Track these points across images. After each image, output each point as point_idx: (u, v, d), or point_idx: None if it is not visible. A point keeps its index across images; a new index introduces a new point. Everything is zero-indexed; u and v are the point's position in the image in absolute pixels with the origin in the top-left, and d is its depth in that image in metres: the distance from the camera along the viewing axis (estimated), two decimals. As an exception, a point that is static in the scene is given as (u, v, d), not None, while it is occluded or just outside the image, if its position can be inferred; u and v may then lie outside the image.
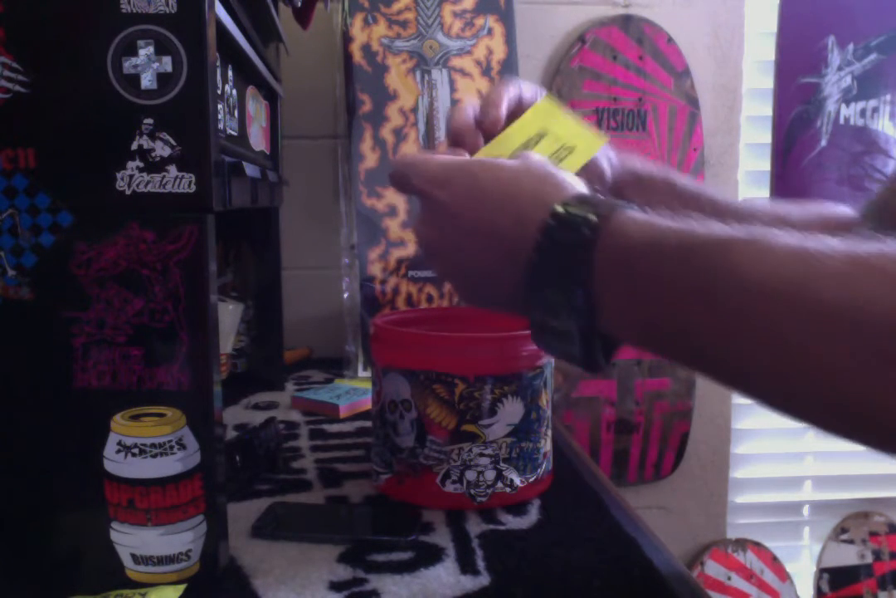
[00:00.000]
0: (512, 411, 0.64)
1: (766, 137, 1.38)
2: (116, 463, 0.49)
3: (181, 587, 0.49)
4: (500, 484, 0.64)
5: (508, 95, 0.56)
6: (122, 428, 0.49)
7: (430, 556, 0.56)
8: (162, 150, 0.47)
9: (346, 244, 1.12)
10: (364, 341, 1.09)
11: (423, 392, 0.63)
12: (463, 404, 0.63)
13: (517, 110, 0.57)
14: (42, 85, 0.47)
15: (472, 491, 0.64)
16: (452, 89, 1.13)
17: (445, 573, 0.54)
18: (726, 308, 0.34)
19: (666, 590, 0.51)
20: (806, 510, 1.59)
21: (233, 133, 0.73)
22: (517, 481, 0.65)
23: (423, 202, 0.48)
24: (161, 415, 0.49)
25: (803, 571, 1.57)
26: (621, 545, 0.58)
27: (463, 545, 0.58)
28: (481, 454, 0.63)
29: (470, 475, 0.64)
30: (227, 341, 0.99)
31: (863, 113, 1.37)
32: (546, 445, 0.68)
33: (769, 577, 1.50)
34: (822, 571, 1.54)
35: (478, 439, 0.63)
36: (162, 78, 0.47)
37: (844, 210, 0.64)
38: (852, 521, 1.55)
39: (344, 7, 1.12)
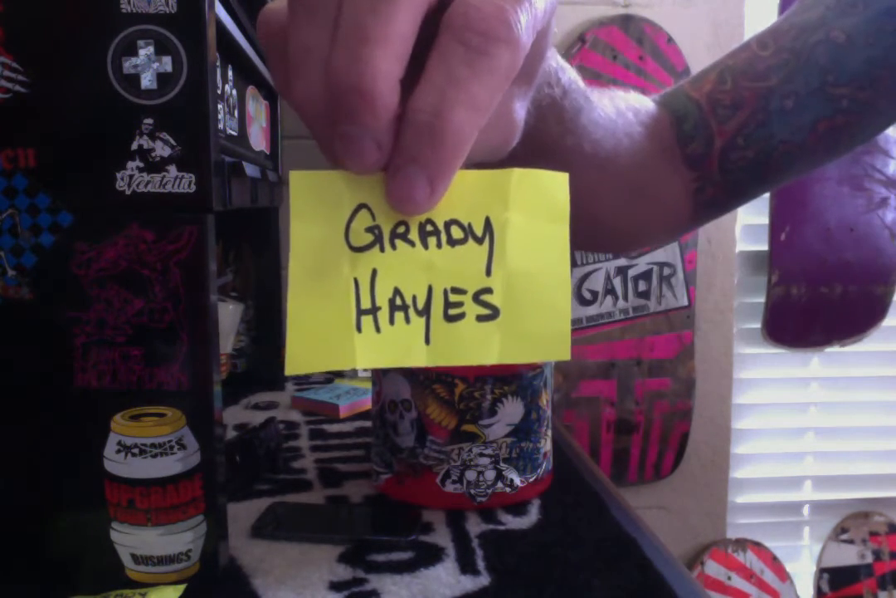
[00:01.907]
0: (512, 411, 0.64)
1: (766, 136, 1.38)
2: (116, 463, 0.49)
3: (181, 587, 0.49)
4: (500, 484, 0.64)
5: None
6: (122, 428, 0.49)
7: (430, 556, 0.56)
8: (162, 150, 0.47)
9: (346, 244, 1.12)
10: (364, 341, 1.09)
11: (423, 392, 0.63)
12: (463, 404, 0.63)
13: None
14: (42, 85, 0.47)
15: (472, 491, 0.64)
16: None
17: (445, 573, 0.54)
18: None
19: (666, 590, 0.51)
20: (806, 510, 1.60)
21: (233, 133, 0.73)
22: (517, 481, 0.65)
23: None
24: (161, 415, 0.49)
25: (803, 571, 1.57)
26: (621, 545, 0.58)
27: (463, 545, 0.58)
28: (481, 454, 0.63)
29: (470, 475, 0.64)
30: (227, 341, 0.99)
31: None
32: (546, 445, 0.68)
33: (769, 577, 1.50)
34: (822, 571, 1.54)
35: (478, 439, 0.63)
36: (162, 78, 0.47)
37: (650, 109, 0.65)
38: (852, 521, 1.55)
39: (344, 7, 1.12)
